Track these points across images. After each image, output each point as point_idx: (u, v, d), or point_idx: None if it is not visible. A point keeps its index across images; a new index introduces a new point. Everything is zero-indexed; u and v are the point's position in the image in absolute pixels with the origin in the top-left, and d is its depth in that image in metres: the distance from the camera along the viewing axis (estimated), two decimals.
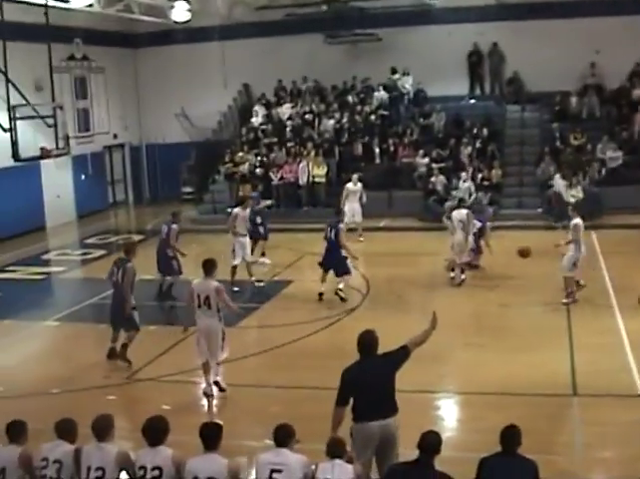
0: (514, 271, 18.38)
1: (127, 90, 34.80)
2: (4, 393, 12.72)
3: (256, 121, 32.06)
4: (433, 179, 27.06)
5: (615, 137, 27.59)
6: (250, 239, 21.05)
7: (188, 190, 33.94)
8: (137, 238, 23.90)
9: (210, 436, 7.27)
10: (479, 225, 19.44)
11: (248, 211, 19.56)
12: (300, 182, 28.39)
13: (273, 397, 12.23)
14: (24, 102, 21.30)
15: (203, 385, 12.53)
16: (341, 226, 17.98)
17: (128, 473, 7.30)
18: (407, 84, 31.36)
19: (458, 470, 7.29)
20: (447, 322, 14.93)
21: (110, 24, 30.96)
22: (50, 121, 21.74)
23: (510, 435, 7.20)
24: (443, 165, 27.73)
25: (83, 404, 11.56)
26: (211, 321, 12.33)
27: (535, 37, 29.19)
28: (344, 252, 17.81)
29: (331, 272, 17.97)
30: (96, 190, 32.69)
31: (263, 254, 21.67)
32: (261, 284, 19.33)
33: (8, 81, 20.68)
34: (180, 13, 28.49)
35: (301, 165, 28.42)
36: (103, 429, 7.46)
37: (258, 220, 21.35)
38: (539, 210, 25.46)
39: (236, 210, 19.23)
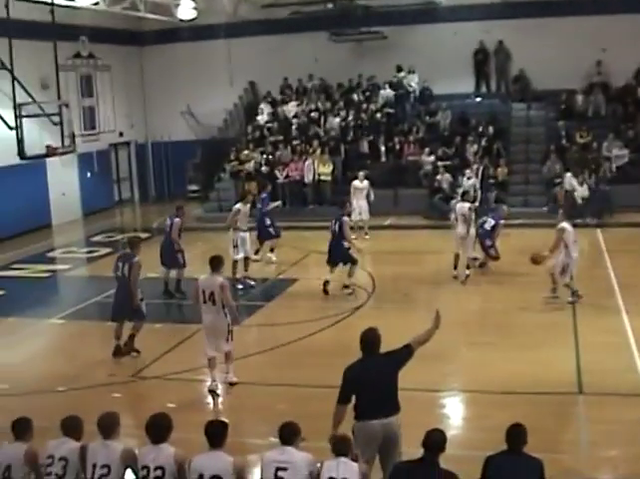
0: (520, 269, 18.35)
1: (132, 88, 34.83)
2: (10, 391, 12.75)
3: (262, 119, 32.05)
4: (438, 177, 27.05)
5: (621, 135, 27.54)
6: (262, 240, 21.22)
7: (194, 187, 33.98)
8: (142, 235, 23.90)
9: (216, 434, 7.27)
10: (492, 222, 19.46)
11: (249, 206, 19.58)
12: (306, 180, 28.39)
13: (279, 395, 12.23)
14: (30, 100, 21.37)
15: (209, 382, 12.54)
16: (345, 218, 18.21)
17: (133, 470, 7.31)
18: (412, 82, 31.35)
19: (463, 468, 7.28)
20: (452, 320, 14.96)
21: (116, 22, 30.99)
22: (56, 119, 21.79)
23: (516, 434, 7.19)
24: (448, 163, 27.72)
25: (88, 402, 11.56)
26: (217, 317, 12.36)
27: (541, 35, 29.17)
28: (347, 244, 18.04)
29: (338, 268, 18.18)
30: (101, 187, 32.72)
31: (272, 251, 21.69)
32: (252, 284, 19.13)
33: (14, 79, 20.72)
34: (186, 11, 28.49)
35: (307, 163, 28.41)
36: (108, 427, 7.47)
37: (267, 221, 21.38)
38: (545, 208, 25.42)
39: (238, 205, 19.21)
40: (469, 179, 25.46)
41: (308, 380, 12.41)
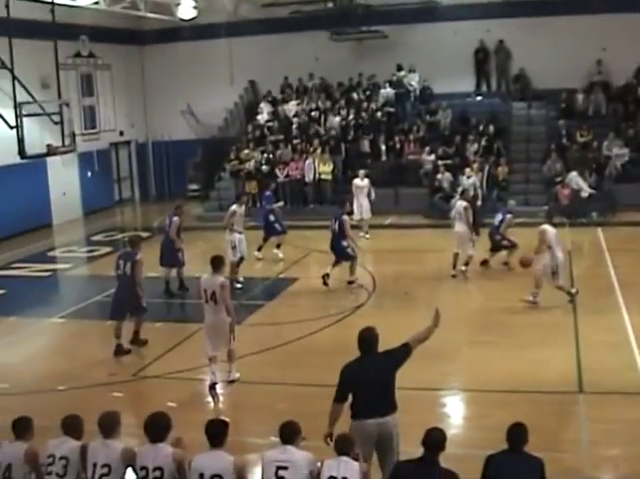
0: (520, 268, 18.31)
1: (133, 87, 34.85)
2: (10, 390, 12.76)
3: (262, 118, 32.06)
4: (439, 176, 27.04)
5: (621, 134, 27.53)
6: (268, 237, 21.25)
7: (195, 187, 34.01)
8: (143, 235, 23.89)
9: (216, 433, 7.26)
10: (500, 217, 19.53)
11: (244, 207, 19.60)
12: (306, 179, 28.40)
13: (279, 394, 12.23)
14: (30, 99, 21.35)
15: (209, 376, 12.59)
16: (345, 217, 18.43)
17: (133, 470, 7.30)
18: (413, 81, 31.37)
19: (464, 467, 7.28)
20: (453, 319, 14.96)
21: (116, 21, 31.01)
22: (56, 118, 21.77)
23: (517, 433, 7.18)
24: (449, 162, 27.72)
25: (89, 401, 11.57)
26: (218, 317, 12.41)
27: (542, 34, 29.18)
28: (346, 243, 18.20)
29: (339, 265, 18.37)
30: (102, 187, 32.72)
31: (278, 247, 21.76)
32: (239, 286, 18.94)
33: (14, 78, 20.70)
34: (187, 10, 28.51)
35: (307, 162, 28.41)
36: (109, 426, 7.47)
37: (272, 217, 21.56)
38: (545, 207, 25.38)
39: (233, 207, 19.21)
40: (468, 177, 25.45)
41: (309, 379, 12.40)
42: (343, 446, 7.23)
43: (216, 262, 12.65)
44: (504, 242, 19.48)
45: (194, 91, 33.57)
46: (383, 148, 29.39)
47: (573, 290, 16.40)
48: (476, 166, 26.37)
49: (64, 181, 29.95)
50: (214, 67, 33.37)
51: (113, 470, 7.24)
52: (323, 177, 28.23)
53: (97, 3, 25.42)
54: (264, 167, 29.10)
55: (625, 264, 19.28)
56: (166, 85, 34.26)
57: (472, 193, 22.56)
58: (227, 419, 7.93)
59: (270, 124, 31.67)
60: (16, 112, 20.44)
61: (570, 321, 15.23)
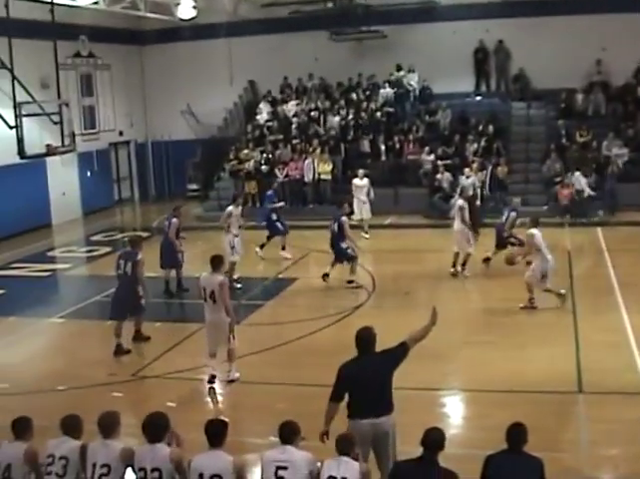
0: (520, 268, 18.30)
1: (132, 87, 34.84)
2: (9, 390, 12.75)
3: (262, 118, 32.06)
4: (438, 176, 27.04)
5: (621, 134, 27.54)
6: (271, 236, 21.28)
7: (194, 187, 34.03)
8: (143, 235, 23.89)
9: (216, 433, 7.25)
10: (505, 215, 19.55)
11: (240, 208, 19.63)
12: (306, 179, 28.40)
13: (278, 394, 12.23)
14: (30, 99, 21.35)
15: (209, 370, 12.68)
16: (344, 218, 18.53)
17: (133, 469, 7.30)
18: (412, 81, 31.36)
19: (463, 467, 7.27)
20: (452, 319, 14.99)
21: (116, 21, 31.01)
22: (56, 118, 21.77)
23: (516, 433, 7.18)
24: (448, 162, 27.72)
25: (88, 401, 11.57)
26: (217, 316, 12.50)
27: (541, 34, 29.19)
28: (345, 244, 18.29)
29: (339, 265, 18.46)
30: (101, 187, 32.71)
31: (283, 249, 21.82)
32: (239, 286, 18.93)
33: (14, 78, 20.70)
34: (186, 10, 28.47)
35: (307, 162, 28.41)
36: (108, 426, 7.46)
37: (274, 216, 21.66)
38: (545, 207, 25.42)
39: (230, 208, 19.24)
40: (467, 177, 25.46)
41: (308, 379, 12.40)
42: (344, 446, 7.22)
43: (216, 262, 12.74)
44: (512, 240, 19.45)
45: (194, 91, 33.56)
46: (382, 148, 29.39)
47: (562, 291, 16.32)
48: (475, 166, 26.35)
49: (63, 181, 29.94)
50: (214, 67, 33.37)
51: (112, 470, 7.23)
52: (322, 177, 28.24)
53: (96, 3, 25.40)
54: (264, 167, 29.11)
55: (625, 264, 19.29)
56: (166, 85, 34.25)
57: (470, 192, 22.58)
58: (227, 419, 7.93)
59: (270, 124, 31.67)
60: (15, 112, 20.43)
61: (570, 321, 15.23)
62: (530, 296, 16.16)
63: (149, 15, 28.39)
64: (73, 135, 22.59)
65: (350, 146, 29.72)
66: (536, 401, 11.46)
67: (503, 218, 19.70)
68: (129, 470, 7.30)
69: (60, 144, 21.79)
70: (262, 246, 21.67)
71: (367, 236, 24.00)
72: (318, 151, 28.50)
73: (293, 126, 31.11)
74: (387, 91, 31.10)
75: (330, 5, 30.95)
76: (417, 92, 31.43)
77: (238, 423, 10.86)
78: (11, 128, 20.47)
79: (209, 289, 12.43)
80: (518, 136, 29.51)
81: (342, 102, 31.43)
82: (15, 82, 20.69)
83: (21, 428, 7.66)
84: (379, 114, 30.49)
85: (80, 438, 7.58)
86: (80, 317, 17.28)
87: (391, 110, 30.70)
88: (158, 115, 35.16)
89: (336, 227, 18.41)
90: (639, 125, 27.90)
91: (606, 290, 17.23)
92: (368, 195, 24.40)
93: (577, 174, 25.86)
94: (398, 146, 29.27)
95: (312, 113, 31.29)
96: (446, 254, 19.57)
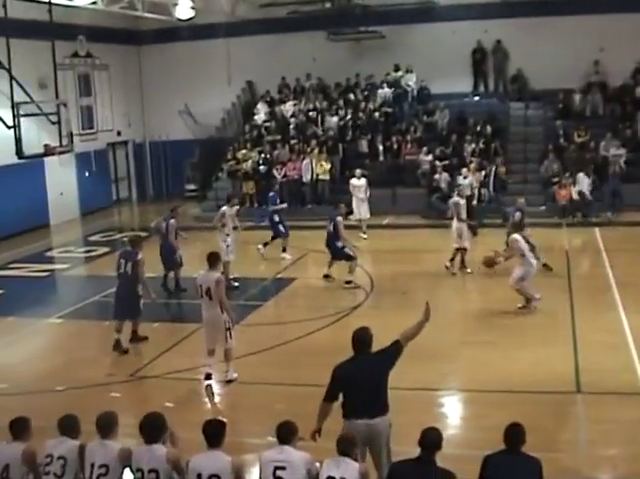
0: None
1: (130, 87, 34.83)
2: (8, 390, 12.75)
3: (260, 118, 32.07)
4: (436, 176, 27.06)
5: (618, 134, 27.55)
6: (275, 237, 21.35)
7: (192, 187, 34.03)
8: (141, 235, 23.90)
9: (214, 433, 7.25)
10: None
11: (235, 209, 19.65)
12: (304, 179, 28.41)
13: (276, 394, 12.23)
14: (28, 99, 21.35)
15: (206, 369, 12.73)
16: (339, 218, 18.60)
17: (131, 470, 7.29)
18: (410, 81, 31.38)
19: (461, 468, 7.27)
20: (450, 319, 15.02)
21: (113, 21, 31.00)
22: (54, 118, 21.79)
23: (514, 433, 7.18)
24: (446, 162, 27.72)
25: (87, 401, 11.55)
26: (213, 313, 12.58)
27: (539, 34, 29.22)
28: (340, 244, 18.38)
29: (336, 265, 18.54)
30: (99, 187, 32.70)
31: (284, 250, 21.84)
32: (236, 284, 19.01)
33: (12, 78, 20.72)
34: (184, 10, 28.48)
35: (305, 162, 28.43)
36: (106, 426, 7.46)
37: (276, 218, 21.70)
38: (543, 207, 25.41)
39: (224, 208, 19.29)
40: (465, 178, 25.48)
41: (306, 379, 12.38)
42: (345, 447, 7.20)
43: (212, 259, 12.87)
44: None
45: (192, 91, 33.56)
46: (380, 148, 29.42)
47: (537, 296, 16.19)
48: (472, 166, 26.38)
49: (61, 181, 29.92)
50: (212, 67, 33.36)
51: (110, 470, 7.23)
52: (321, 177, 28.26)
53: (94, 3, 25.40)
54: (262, 167, 29.11)
55: (623, 264, 19.30)
56: (164, 85, 34.24)
57: (468, 192, 22.58)
58: (225, 419, 7.93)
59: (268, 124, 31.69)
60: (13, 112, 20.45)
61: (568, 321, 15.24)
62: (527, 298, 16.17)
63: (146, 15, 28.40)
64: (71, 135, 22.61)
65: (348, 146, 29.75)
66: (534, 401, 11.46)
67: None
68: (127, 470, 7.31)
69: (58, 144, 21.81)
70: (266, 245, 21.74)
71: (365, 236, 24.00)
72: (316, 151, 28.52)
73: (291, 126, 31.11)
74: (385, 91, 31.12)
75: (328, 5, 30.93)
76: (415, 92, 31.43)
77: (236, 423, 10.86)
78: (9, 128, 20.48)
79: (205, 286, 12.53)
80: (516, 136, 29.53)
81: (340, 102, 31.44)
82: (13, 82, 20.71)
83: (19, 428, 7.65)
84: (377, 114, 30.51)
85: (77, 438, 7.57)
86: (78, 318, 17.27)
87: (389, 110, 30.72)
88: (155, 115, 35.14)
89: (332, 227, 18.59)
90: (637, 125, 27.93)
91: (604, 290, 17.24)
92: (365, 193, 24.43)
93: (581, 174, 25.85)
94: (396, 146, 29.29)
95: (310, 113, 31.30)
96: (444, 255, 19.59)
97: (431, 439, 7.02)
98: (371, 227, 24.60)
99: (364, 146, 29.61)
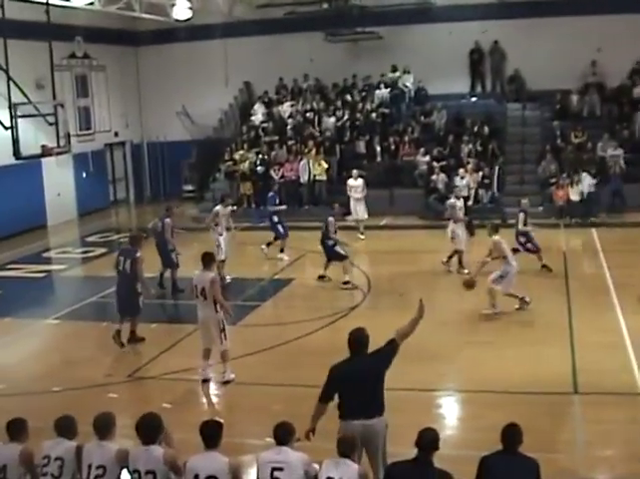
0: (521, 269, 18.33)
1: (128, 88, 34.81)
2: (5, 391, 12.73)
3: (257, 119, 32.07)
4: (434, 177, 27.08)
5: (616, 135, 27.58)
6: (276, 238, 21.47)
7: (189, 188, 34.05)
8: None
9: (211, 434, 7.25)
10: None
11: (229, 209, 19.69)
12: (301, 180, 28.42)
13: (274, 395, 12.23)
14: (25, 100, 21.33)
15: (200, 371, 12.81)
16: (330, 219, 18.84)
17: (128, 471, 7.29)
18: (408, 82, 31.40)
19: (458, 468, 7.28)
20: (448, 320, 15.01)
21: (111, 22, 30.98)
22: (51, 119, 21.79)
23: (511, 433, 7.18)
24: (444, 163, 27.74)
25: (84, 402, 11.55)
26: (208, 312, 12.67)
27: (536, 35, 29.26)
28: (331, 242, 18.67)
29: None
30: (97, 188, 32.69)
31: (282, 251, 21.85)
32: (228, 279, 19.14)
33: (9, 79, 20.71)
34: (182, 11, 28.46)
35: (302, 163, 28.44)
36: (104, 427, 7.45)
37: (275, 219, 21.76)
38: (540, 208, 25.44)
39: (217, 207, 19.39)
40: (462, 178, 25.49)
41: (304, 380, 12.35)
42: (345, 448, 7.20)
43: (207, 259, 12.95)
44: (529, 246, 19.25)
45: (189, 92, 33.57)
46: (378, 149, 29.43)
47: (521, 296, 16.15)
48: (470, 166, 26.40)
49: (59, 182, 29.90)
50: (209, 68, 33.35)
51: (108, 471, 7.22)
52: (318, 178, 28.26)
53: (92, 4, 25.39)
54: (259, 168, 29.13)
55: (620, 265, 19.29)
56: (161, 86, 34.24)
57: (465, 193, 22.58)
58: (222, 420, 7.92)
59: (265, 125, 31.70)
60: (11, 113, 20.45)
61: (565, 322, 15.24)
62: (519, 297, 16.14)
63: (144, 16, 28.39)
64: (68, 136, 22.63)
65: (345, 147, 29.78)
66: (532, 402, 11.47)
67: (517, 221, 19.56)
68: (124, 471, 7.30)
69: (55, 145, 21.82)
70: (269, 244, 21.82)
71: (362, 237, 24.02)
72: (313, 152, 28.52)
73: (288, 127, 31.11)
74: (382, 92, 31.13)
75: (325, 6, 30.93)
76: (412, 93, 31.46)
77: (234, 424, 10.84)
78: (6, 129, 20.48)
79: (200, 286, 12.63)
80: (514, 137, 29.55)
81: (337, 103, 31.45)
82: (10, 83, 20.70)
83: (16, 429, 7.65)
84: (374, 115, 30.52)
85: (74, 439, 7.57)
86: (75, 318, 17.26)
87: (386, 111, 30.73)
88: (153, 116, 35.13)
89: (324, 227, 18.85)
90: (634, 126, 27.97)
91: (602, 291, 17.23)
92: (362, 193, 24.47)
93: (584, 174, 25.84)
94: (393, 147, 29.32)
95: (307, 114, 31.31)
96: (441, 255, 19.62)
97: (428, 440, 7.02)
98: (368, 227, 24.61)
99: (361, 146, 29.62)
